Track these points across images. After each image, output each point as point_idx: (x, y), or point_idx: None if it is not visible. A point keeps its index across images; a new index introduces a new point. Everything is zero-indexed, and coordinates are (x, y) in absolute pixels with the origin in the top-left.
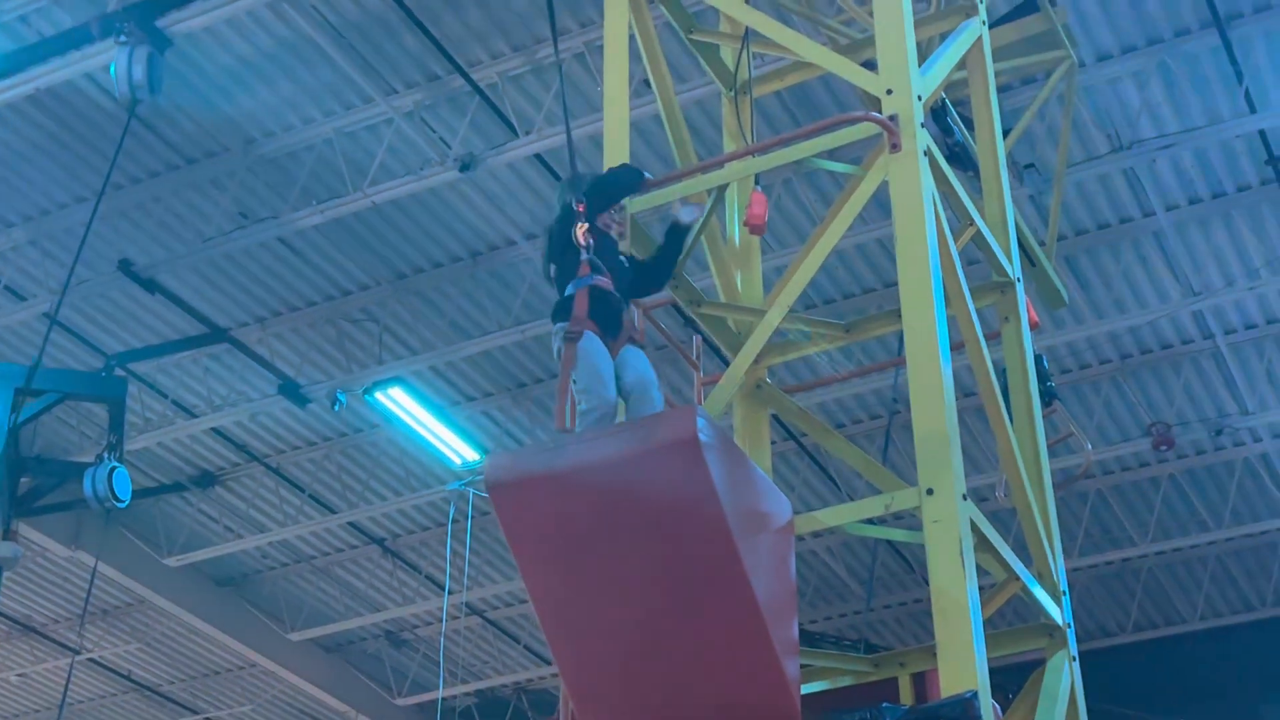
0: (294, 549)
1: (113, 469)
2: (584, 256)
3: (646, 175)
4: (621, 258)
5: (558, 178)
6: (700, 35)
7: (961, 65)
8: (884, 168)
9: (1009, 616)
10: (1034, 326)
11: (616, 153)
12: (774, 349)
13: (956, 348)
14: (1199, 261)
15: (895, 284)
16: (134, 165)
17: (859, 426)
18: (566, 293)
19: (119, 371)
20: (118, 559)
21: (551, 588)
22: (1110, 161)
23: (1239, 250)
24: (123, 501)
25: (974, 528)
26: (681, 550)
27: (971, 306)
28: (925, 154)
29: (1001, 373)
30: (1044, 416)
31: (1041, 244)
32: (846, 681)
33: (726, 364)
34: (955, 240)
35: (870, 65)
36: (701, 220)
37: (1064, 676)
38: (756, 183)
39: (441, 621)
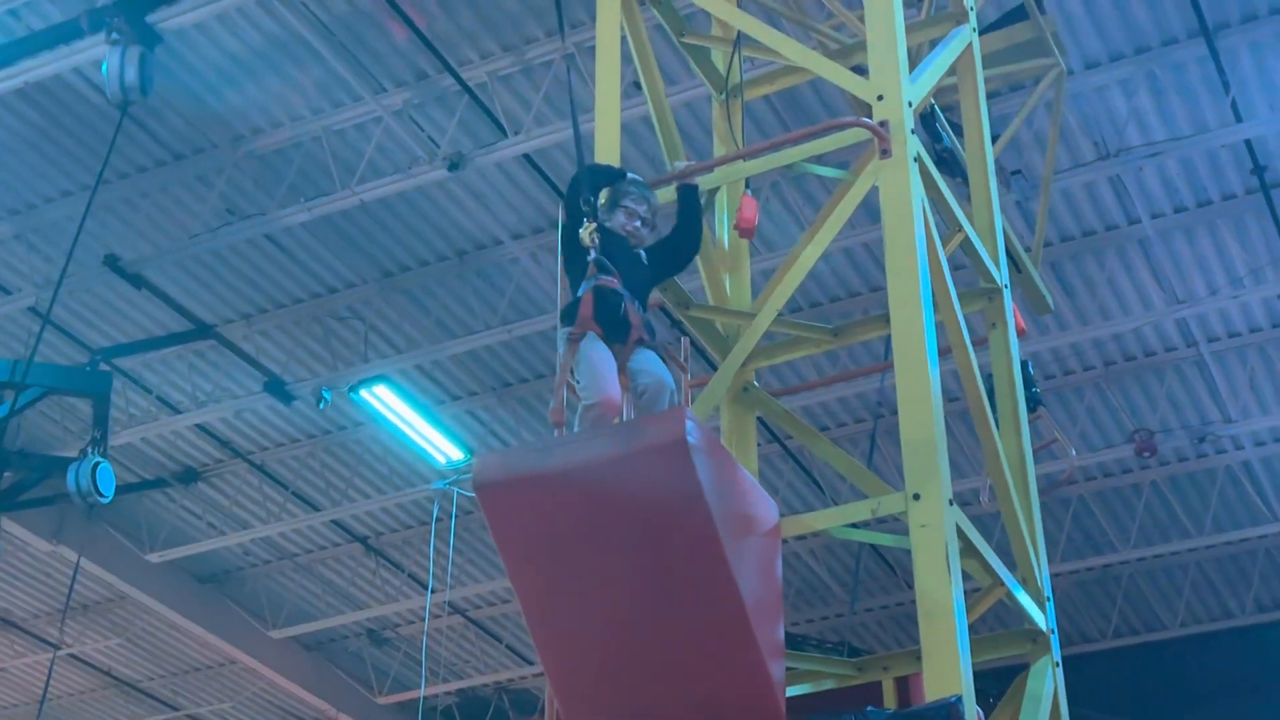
0: (277, 546)
1: (96, 464)
2: (590, 257)
3: (614, 170)
4: (638, 252)
5: (546, 178)
6: (691, 38)
7: (951, 71)
8: (874, 173)
9: (991, 622)
10: (1021, 333)
11: (606, 154)
12: (762, 352)
13: (943, 353)
14: (1183, 269)
15: (882, 289)
16: (122, 161)
17: (843, 430)
18: (577, 294)
19: (104, 367)
20: (100, 554)
21: (538, 588)
22: (1097, 169)
23: (1223, 259)
24: (106, 497)
25: (960, 533)
26: (669, 552)
27: (959, 312)
28: (915, 160)
29: (987, 378)
30: (1029, 422)
31: (1028, 250)
32: (830, 684)
33: (714, 367)
34: (944, 246)
35: (861, 70)
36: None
37: (1047, 682)
38: (746, 186)
39: (424, 620)
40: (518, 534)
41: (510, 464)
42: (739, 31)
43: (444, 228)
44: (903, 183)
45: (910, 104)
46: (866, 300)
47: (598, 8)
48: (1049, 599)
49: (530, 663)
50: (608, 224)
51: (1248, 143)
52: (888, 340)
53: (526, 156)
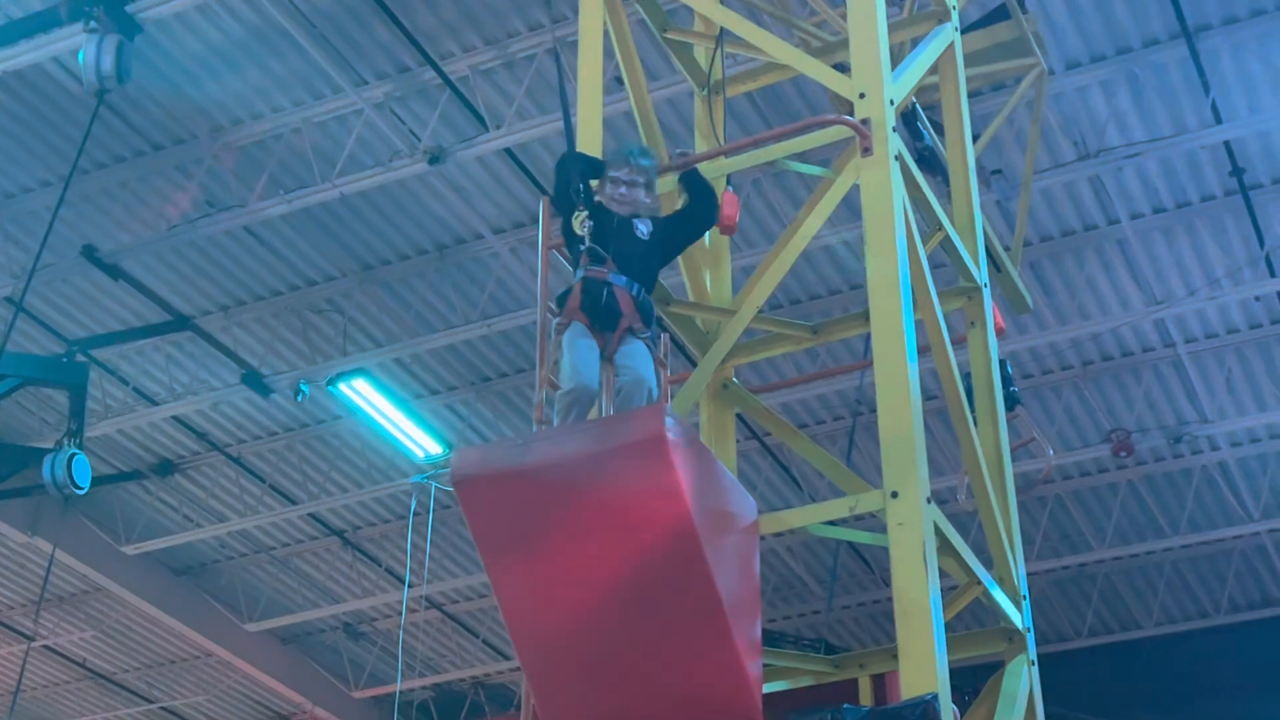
0: (253, 539)
1: (72, 455)
2: (583, 246)
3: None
4: (640, 228)
5: (527, 173)
6: (674, 34)
7: (933, 70)
8: (855, 171)
9: (968, 620)
10: (1000, 333)
11: (588, 149)
12: (741, 349)
13: (923, 351)
14: (1162, 270)
15: (862, 287)
16: (100, 150)
17: (822, 427)
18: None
19: (80, 357)
20: (75, 546)
21: (516, 583)
22: (1076, 169)
23: (1202, 260)
24: (82, 488)
25: (937, 531)
26: (647, 548)
27: (939, 311)
28: (896, 158)
29: (966, 377)
30: (1007, 421)
31: (1007, 250)
32: (807, 682)
33: (694, 363)
34: (924, 244)
35: (843, 68)
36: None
37: (1022, 680)
38: (728, 183)
39: (400, 615)
40: (495, 529)
41: (488, 458)
42: (721, 28)
43: (424, 221)
44: (884, 180)
45: (892, 102)
46: (847, 298)
47: (580, 2)
48: (1025, 597)
49: (507, 658)
50: (603, 202)
51: (1227, 144)
52: (867, 338)
53: (507, 151)
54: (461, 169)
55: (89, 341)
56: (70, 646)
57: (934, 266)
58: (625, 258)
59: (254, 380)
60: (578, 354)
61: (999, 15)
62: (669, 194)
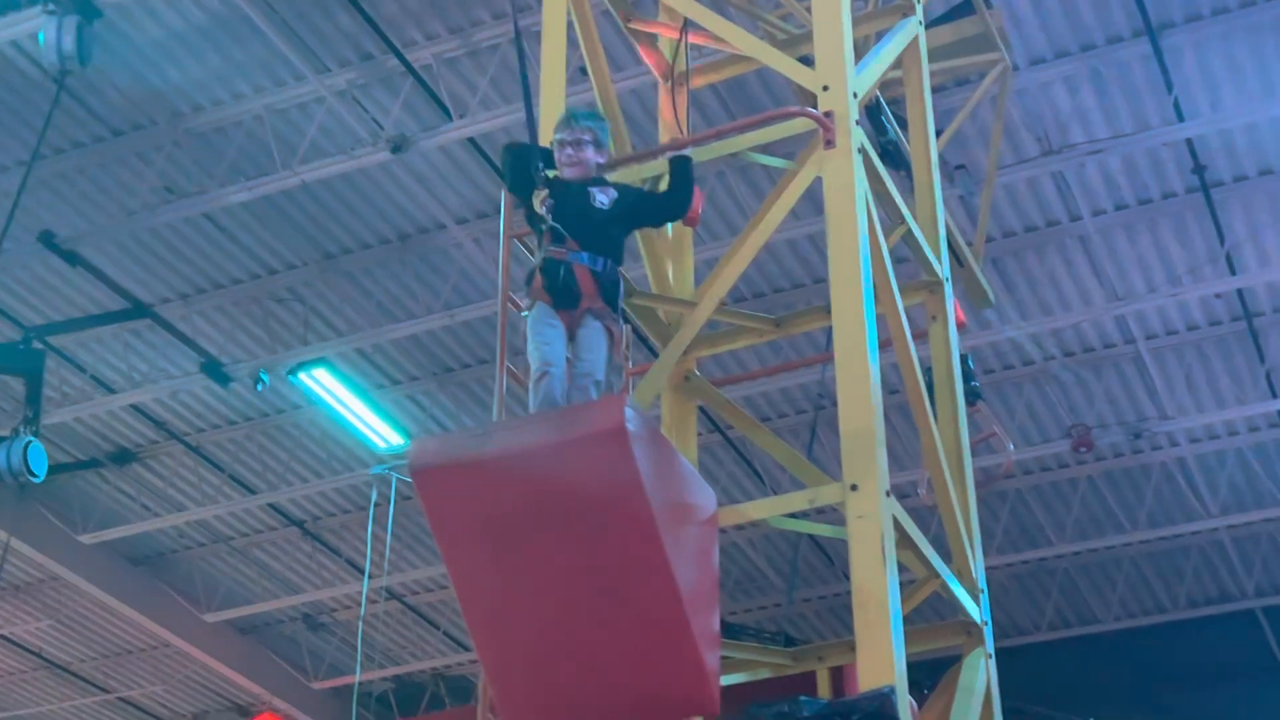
0: (212, 529)
1: (28, 443)
2: (544, 226)
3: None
4: (599, 198)
5: (491, 162)
6: (638, 24)
7: (897, 64)
8: (818, 163)
9: (926, 613)
10: (961, 327)
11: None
12: (704, 341)
13: (884, 345)
14: (1123, 267)
15: (825, 281)
16: (58, 136)
17: (784, 421)
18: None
19: (37, 344)
20: (31, 535)
21: (474, 574)
22: (1040, 165)
23: (1163, 257)
24: (37, 476)
25: (896, 524)
26: (605, 539)
27: (900, 305)
28: (859, 151)
29: (927, 371)
30: (968, 416)
31: (970, 245)
32: (765, 674)
33: (656, 355)
34: (886, 238)
35: (807, 61)
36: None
37: (980, 673)
38: None
39: (360, 606)
40: (453, 519)
41: (447, 448)
42: (686, 18)
43: (387, 210)
44: (846, 173)
45: (855, 95)
46: (810, 292)
47: None
48: (983, 591)
49: (467, 649)
50: (558, 173)
51: (1189, 142)
52: (829, 331)
53: (471, 140)
54: (425, 158)
55: (46, 328)
56: (26, 636)
57: (896, 261)
58: (586, 231)
59: (214, 369)
60: (541, 337)
61: (964, 10)
62: (657, 177)
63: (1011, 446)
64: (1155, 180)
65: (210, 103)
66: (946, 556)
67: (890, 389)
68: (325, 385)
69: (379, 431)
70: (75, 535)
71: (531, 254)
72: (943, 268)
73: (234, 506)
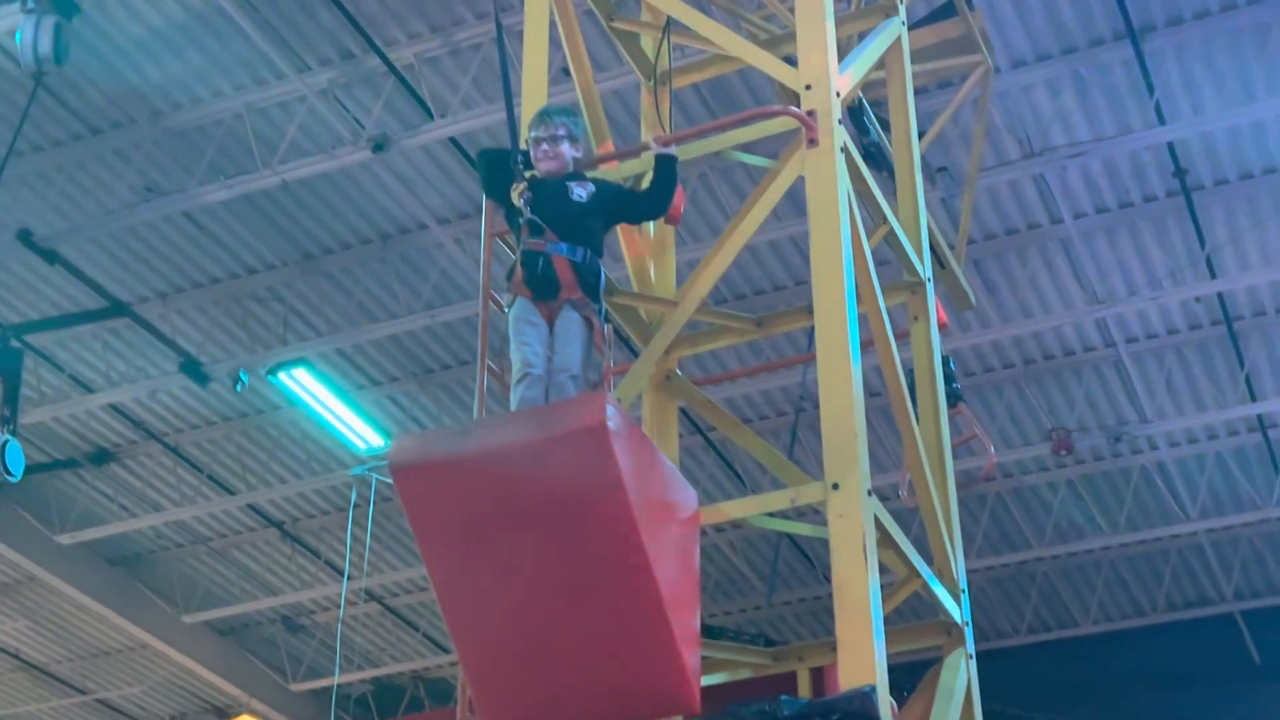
0: (190, 530)
1: (5, 443)
2: (522, 219)
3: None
4: (576, 191)
5: (472, 162)
6: (621, 23)
7: (880, 65)
8: (800, 163)
9: (907, 614)
10: (943, 327)
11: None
12: (685, 340)
13: (866, 346)
14: (1104, 270)
15: (806, 281)
16: (36, 133)
17: (765, 422)
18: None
19: (14, 343)
20: (8, 535)
21: (454, 573)
22: (1021, 167)
23: (1143, 260)
24: (14, 476)
25: (877, 524)
26: (586, 538)
27: (882, 305)
28: (842, 150)
29: (909, 372)
30: (949, 417)
31: (951, 247)
32: (745, 674)
33: (637, 354)
34: (868, 239)
35: (790, 61)
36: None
37: (960, 675)
38: None
39: (340, 607)
40: (433, 518)
41: (427, 446)
42: (668, 18)
43: (367, 210)
44: (828, 172)
45: (838, 94)
46: (791, 293)
47: None
48: (964, 591)
49: (446, 651)
50: (536, 171)
51: (1170, 145)
52: (811, 331)
53: (453, 140)
54: (406, 158)
55: (23, 327)
56: (3, 637)
57: (878, 262)
58: (564, 223)
59: (192, 369)
60: (521, 337)
61: (946, 12)
62: (639, 175)
63: (992, 449)
64: (1136, 183)
65: (190, 101)
66: (927, 558)
67: (871, 391)
68: (305, 385)
69: (359, 432)
70: (53, 535)
71: (513, 252)
72: (924, 268)
73: (213, 507)
